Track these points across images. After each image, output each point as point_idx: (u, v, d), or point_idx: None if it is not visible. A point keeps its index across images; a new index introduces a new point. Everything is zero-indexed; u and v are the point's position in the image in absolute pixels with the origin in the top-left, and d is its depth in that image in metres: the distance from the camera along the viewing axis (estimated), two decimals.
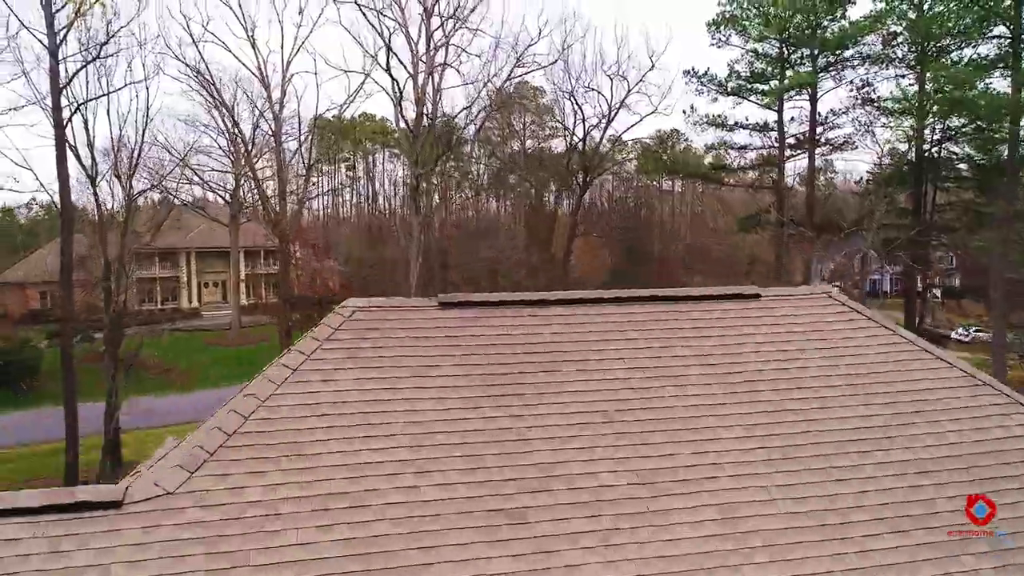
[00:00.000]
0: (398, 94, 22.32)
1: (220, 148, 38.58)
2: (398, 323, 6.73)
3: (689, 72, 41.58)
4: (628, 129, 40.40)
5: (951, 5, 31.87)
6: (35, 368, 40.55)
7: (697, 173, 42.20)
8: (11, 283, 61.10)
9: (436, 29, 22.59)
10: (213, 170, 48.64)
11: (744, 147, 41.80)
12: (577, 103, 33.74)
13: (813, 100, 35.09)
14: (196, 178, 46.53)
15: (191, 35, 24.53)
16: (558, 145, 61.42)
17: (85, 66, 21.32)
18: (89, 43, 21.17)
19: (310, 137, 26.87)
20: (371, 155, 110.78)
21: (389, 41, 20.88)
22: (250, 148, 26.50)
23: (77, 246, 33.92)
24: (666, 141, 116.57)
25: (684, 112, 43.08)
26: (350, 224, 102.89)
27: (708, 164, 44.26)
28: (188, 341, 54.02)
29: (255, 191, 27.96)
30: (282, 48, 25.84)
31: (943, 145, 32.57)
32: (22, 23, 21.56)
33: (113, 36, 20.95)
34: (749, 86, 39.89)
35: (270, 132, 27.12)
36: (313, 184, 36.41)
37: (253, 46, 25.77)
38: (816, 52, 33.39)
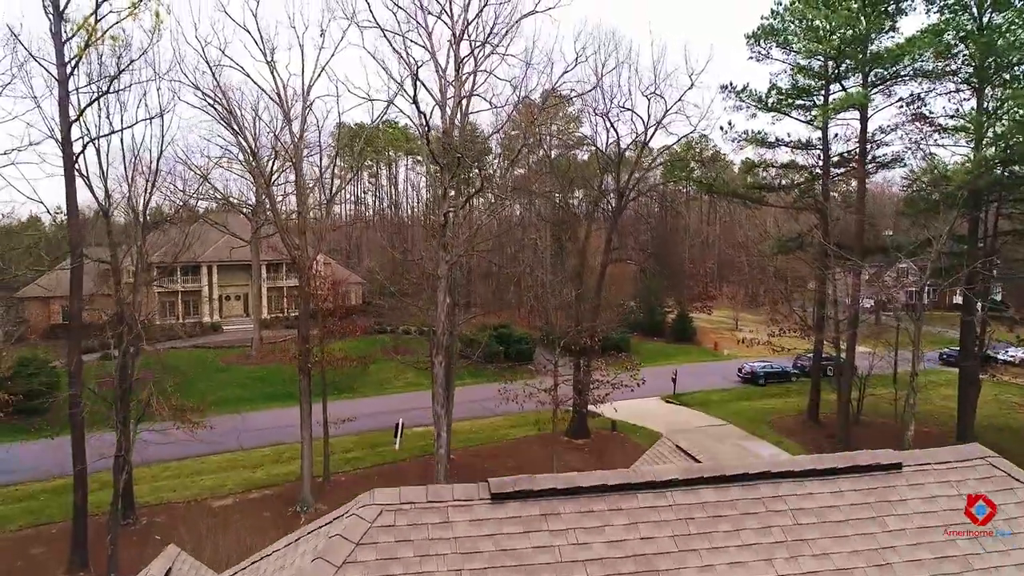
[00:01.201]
0: (425, 127, 20.71)
1: (240, 163, 37.44)
2: (439, 532, 5.10)
3: (727, 87, 39.64)
4: (664, 150, 38.13)
5: (1016, 17, 29.64)
6: (53, 386, 39.27)
7: (735, 192, 40.14)
8: (33, 297, 60.83)
9: (466, 57, 21.04)
10: (232, 183, 47.80)
11: (786, 165, 39.72)
12: (611, 123, 31.89)
13: (863, 119, 32.92)
14: (217, 194, 45.54)
15: (207, 61, 23.11)
16: (583, 152, 59.69)
17: (95, 100, 20.05)
18: (100, 76, 19.87)
19: (331, 167, 25.41)
20: (393, 163, 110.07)
21: (417, 73, 19.41)
22: (269, 179, 25.12)
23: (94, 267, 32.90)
24: (694, 147, 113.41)
25: (721, 128, 41.09)
26: (373, 232, 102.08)
27: (747, 183, 42.19)
28: (206, 361, 53.19)
29: (274, 223, 26.49)
30: (303, 72, 24.38)
31: (1007, 167, 30.29)
32: (30, 53, 20.19)
33: (124, 70, 19.62)
34: (791, 101, 37.85)
35: (290, 161, 25.75)
36: (336, 215, 34.92)
37: (272, 71, 24.40)
38: (868, 68, 31.29)
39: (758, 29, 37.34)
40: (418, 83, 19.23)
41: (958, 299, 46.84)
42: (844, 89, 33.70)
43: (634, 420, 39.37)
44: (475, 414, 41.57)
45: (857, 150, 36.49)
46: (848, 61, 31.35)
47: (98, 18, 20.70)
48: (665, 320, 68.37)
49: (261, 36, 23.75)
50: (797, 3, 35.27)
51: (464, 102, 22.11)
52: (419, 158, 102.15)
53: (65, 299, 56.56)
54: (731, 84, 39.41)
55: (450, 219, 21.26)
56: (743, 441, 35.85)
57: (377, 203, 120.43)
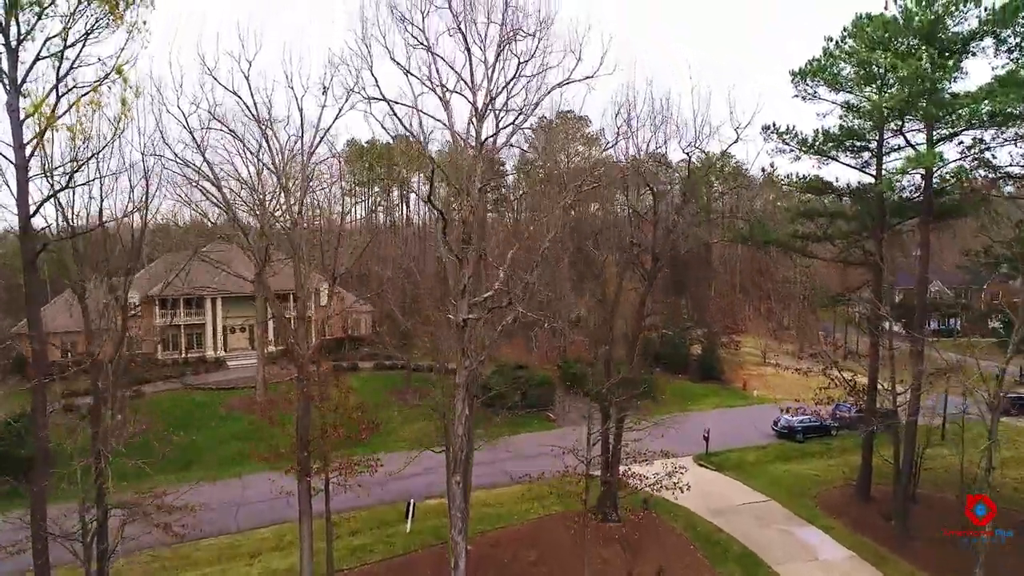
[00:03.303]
0: (442, 222, 17.55)
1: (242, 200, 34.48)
2: None
3: (769, 128, 36.33)
4: (707, 206, 34.77)
5: None
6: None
7: (777, 241, 36.70)
8: (27, 334, 58.17)
9: (490, 137, 17.88)
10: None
11: (834, 214, 36.26)
12: (647, 181, 28.55)
13: (928, 175, 29.42)
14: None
15: (191, 133, 20.09)
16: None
17: (52, 196, 17.00)
18: (56, 168, 16.83)
19: (334, 250, 22.32)
20: (406, 182, 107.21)
21: (433, 174, 16.29)
22: (265, 260, 22.19)
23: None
24: (715, 163, 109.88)
25: (763, 171, 37.67)
26: (385, 249, 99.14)
27: (790, 230, 38.77)
28: (206, 406, 50.33)
29: (271, 307, 23.46)
30: (302, 137, 21.29)
31: None
32: None
33: (82, 166, 16.57)
34: (840, 144, 34.48)
35: (286, 234, 22.69)
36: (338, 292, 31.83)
37: (266, 139, 21.34)
38: (935, 119, 27.85)
39: (806, 67, 33.97)
40: (434, 181, 16.20)
41: None
42: (902, 132, 30.27)
43: (667, 492, 36.06)
44: (492, 479, 38.44)
45: (915, 197, 33.11)
46: (911, 114, 27.86)
47: (60, 94, 17.69)
48: (690, 353, 64.95)
49: (255, 100, 20.70)
50: (853, 45, 31.94)
51: (487, 188, 18.98)
52: (431, 176, 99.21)
53: (63, 334, 54.43)
54: (774, 125, 36.14)
55: (470, 324, 18.12)
56: (789, 525, 32.47)
57: (387, 217, 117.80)
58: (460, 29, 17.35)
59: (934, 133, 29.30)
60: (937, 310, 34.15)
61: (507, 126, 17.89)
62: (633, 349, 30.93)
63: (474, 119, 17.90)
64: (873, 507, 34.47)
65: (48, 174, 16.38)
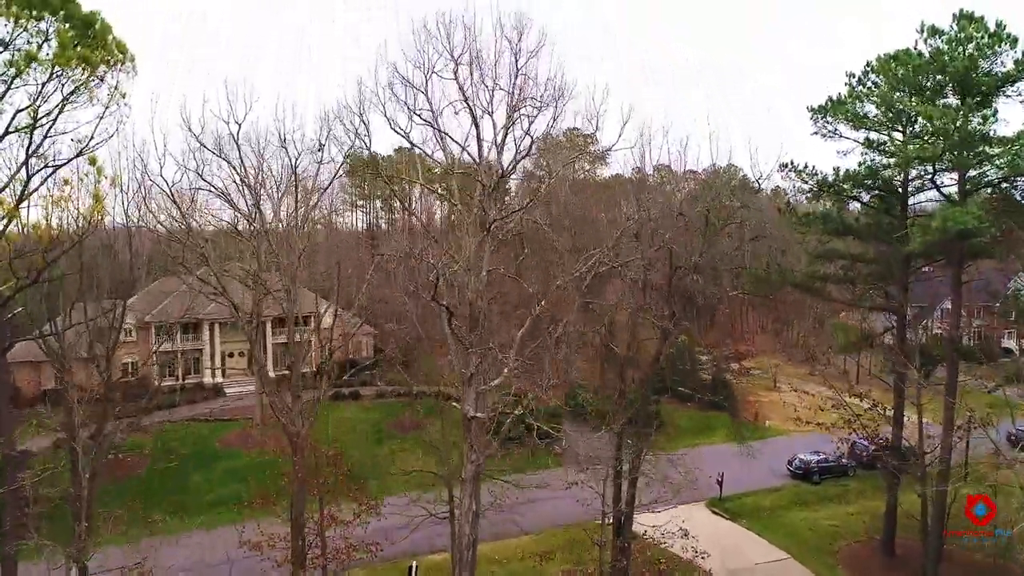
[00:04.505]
0: (449, 315, 16.04)
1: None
2: None
3: (786, 166, 34.80)
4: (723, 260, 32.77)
5: None
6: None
7: (794, 283, 35.14)
8: (22, 362, 56.85)
9: (495, 221, 16.34)
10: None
11: (855, 257, 34.66)
12: (666, 247, 26.77)
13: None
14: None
15: (176, 203, 18.62)
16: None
17: (19, 291, 15.51)
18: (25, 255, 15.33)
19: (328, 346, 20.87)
20: (408, 195, 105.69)
21: (438, 280, 14.81)
22: (257, 339, 20.79)
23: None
24: (721, 176, 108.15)
25: (780, 210, 36.06)
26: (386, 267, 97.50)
27: (806, 268, 37.21)
28: (203, 439, 48.89)
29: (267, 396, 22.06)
30: (296, 208, 19.81)
31: None
32: None
33: (43, 272, 15.06)
34: (862, 185, 32.92)
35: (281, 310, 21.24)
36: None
37: (258, 210, 19.88)
38: (968, 165, 26.26)
39: (826, 103, 32.45)
40: (439, 280, 14.69)
41: None
42: (933, 182, 28.69)
43: (682, 548, 34.51)
44: (496, 529, 36.78)
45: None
46: (943, 164, 26.25)
47: (30, 173, 16.21)
48: (698, 380, 63.29)
49: (243, 165, 19.26)
50: (876, 81, 30.40)
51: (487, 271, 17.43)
52: (433, 188, 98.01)
53: (58, 360, 52.94)
54: (792, 163, 34.60)
55: (475, 422, 16.62)
56: None
57: (390, 229, 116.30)
58: (467, 103, 15.84)
59: (966, 181, 27.73)
60: (968, 357, 32.48)
61: (517, 210, 16.37)
62: (647, 392, 29.43)
63: (483, 197, 16.39)
64: (898, 565, 32.91)
65: (11, 272, 14.90)
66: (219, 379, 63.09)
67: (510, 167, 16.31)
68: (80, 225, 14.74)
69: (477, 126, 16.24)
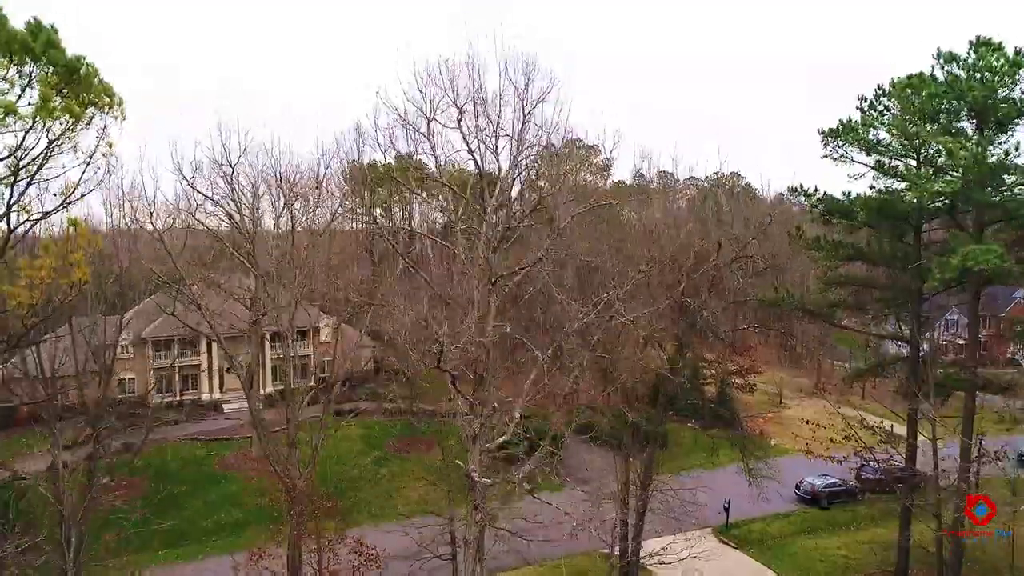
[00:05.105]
0: (456, 391, 15.27)
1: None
2: None
3: (796, 190, 34.07)
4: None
5: None
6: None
7: (804, 308, 34.28)
8: (20, 377, 55.97)
9: (502, 277, 15.56)
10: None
11: (867, 283, 33.86)
12: (683, 309, 25.70)
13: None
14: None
15: (168, 251, 17.82)
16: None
17: None
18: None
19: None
20: (408, 204, 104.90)
21: (442, 350, 14.03)
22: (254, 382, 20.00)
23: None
24: (724, 184, 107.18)
25: (789, 235, 35.26)
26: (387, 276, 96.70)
27: (818, 289, 36.40)
28: (200, 461, 48.02)
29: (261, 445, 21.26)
30: (292, 242, 18.96)
31: None
32: None
33: (23, 337, 14.29)
34: (874, 210, 32.10)
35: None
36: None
37: (252, 249, 19.08)
38: (994, 202, 25.41)
39: (837, 127, 31.65)
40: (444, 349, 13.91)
41: None
42: (954, 218, 27.84)
43: None
44: (499, 562, 35.96)
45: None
46: (962, 196, 25.38)
47: (11, 227, 15.38)
48: (702, 396, 62.34)
49: (239, 209, 18.49)
50: (888, 104, 29.61)
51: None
52: (433, 195, 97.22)
53: (60, 379, 52.12)
54: (801, 187, 33.87)
55: (480, 483, 15.82)
56: None
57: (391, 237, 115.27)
58: (471, 154, 15.04)
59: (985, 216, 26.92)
60: (986, 388, 31.68)
61: (523, 267, 15.57)
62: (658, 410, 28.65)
63: (488, 253, 15.60)
64: None
65: None
66: (217, 395, 62.29)
67: (517, 227, 15.54)
68: (62, 291, 13.94)
69: (481, 176, 15.45)
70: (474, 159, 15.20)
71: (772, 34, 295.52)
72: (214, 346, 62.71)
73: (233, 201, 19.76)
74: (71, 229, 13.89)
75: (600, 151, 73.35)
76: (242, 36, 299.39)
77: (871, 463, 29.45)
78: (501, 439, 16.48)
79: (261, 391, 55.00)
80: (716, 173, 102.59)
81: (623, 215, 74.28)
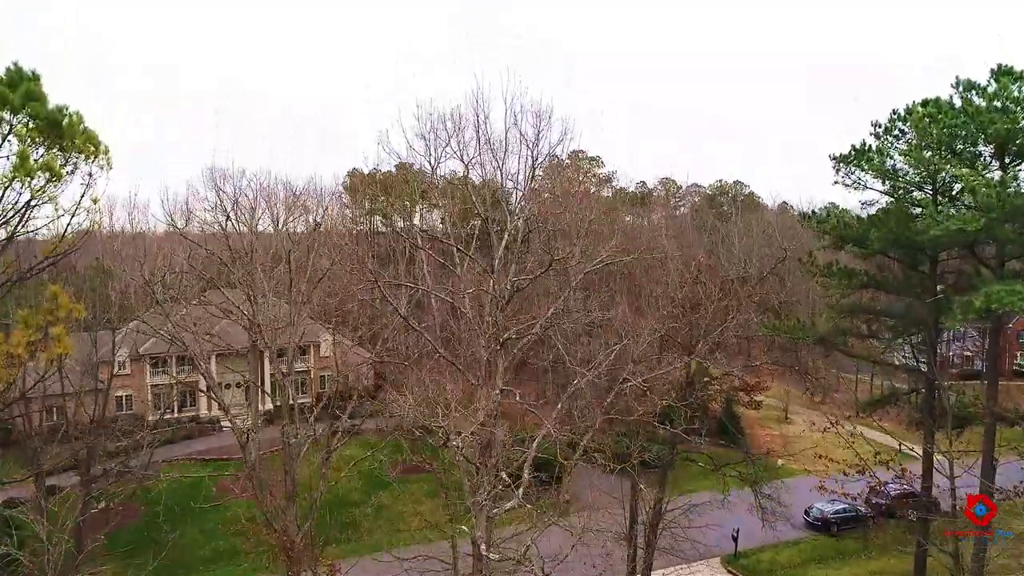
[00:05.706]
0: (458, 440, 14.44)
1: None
2: None
3: (808, 216, 33.30)
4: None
5: None
6: None
7: (813, 337, 33.47)
8: (18, 398, 55.11)
9: (510, 335, 14.72)
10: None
11: (880, 312, 33.01)
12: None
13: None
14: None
15: (159, 302, 17.01)
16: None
17: None
18: None
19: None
20: (410, 213, 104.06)
21: (447, 439, 13.26)
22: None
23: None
24: (727, 192, 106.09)
25: (800, 260, 34.45)
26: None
27: (828, 316, 35.55)
28: (196, 487, 47.05)
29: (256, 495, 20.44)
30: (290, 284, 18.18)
31: None
32: None
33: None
34: (890, 239, 31.26)
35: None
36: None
37: (251, 301, 18.25)
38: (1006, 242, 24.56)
39: (850, 152, 30.85)
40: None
41: None
42: (974, 253, 26.98)
43: None
44: None
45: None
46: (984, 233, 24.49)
47: None
48: (707, 412, 61.47)
49: (231, 248, 17.68)
50: (903, 129, 28.80)
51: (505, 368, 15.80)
52: (434, 203, 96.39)
53: (52, 397, 51.29)
54: (813, 212, 33.09)
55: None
56: None
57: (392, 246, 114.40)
58: (477, 211, 14.16)
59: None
60: (1004, 420, 30.78)
61: (533, 330, 14.73)
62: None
63: (496, 313, 14.76)
64: None
65: None
66: (216, 411, 61.49)
67: (524, 283, 14.71)
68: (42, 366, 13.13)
69: (489, 233, 14.63)
70: (479, 214, 14.38)
71: (772, 34, 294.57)
72: (212, 362, 61.88)
73: (227, 239, 18.90)
74: (52, 299, 13.04)
75: (602, 163, 72.84)
76: (242, 36, 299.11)
77: (886, 498, 28.51)
78: (509, 504, 15.64)
79: (260, 406, 54.15)
80: (719, 181, 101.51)
81: (627, 223, 73.44)
